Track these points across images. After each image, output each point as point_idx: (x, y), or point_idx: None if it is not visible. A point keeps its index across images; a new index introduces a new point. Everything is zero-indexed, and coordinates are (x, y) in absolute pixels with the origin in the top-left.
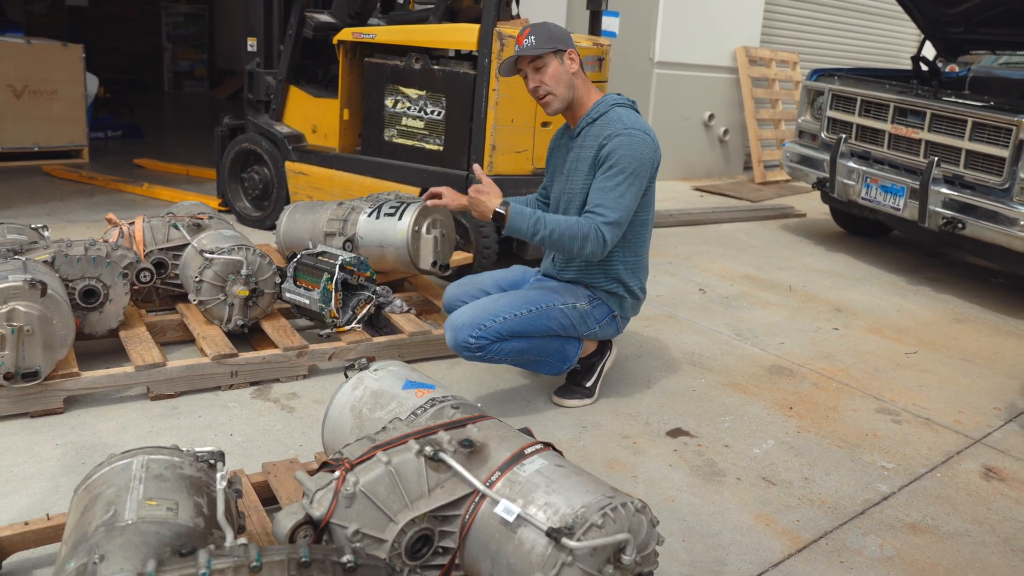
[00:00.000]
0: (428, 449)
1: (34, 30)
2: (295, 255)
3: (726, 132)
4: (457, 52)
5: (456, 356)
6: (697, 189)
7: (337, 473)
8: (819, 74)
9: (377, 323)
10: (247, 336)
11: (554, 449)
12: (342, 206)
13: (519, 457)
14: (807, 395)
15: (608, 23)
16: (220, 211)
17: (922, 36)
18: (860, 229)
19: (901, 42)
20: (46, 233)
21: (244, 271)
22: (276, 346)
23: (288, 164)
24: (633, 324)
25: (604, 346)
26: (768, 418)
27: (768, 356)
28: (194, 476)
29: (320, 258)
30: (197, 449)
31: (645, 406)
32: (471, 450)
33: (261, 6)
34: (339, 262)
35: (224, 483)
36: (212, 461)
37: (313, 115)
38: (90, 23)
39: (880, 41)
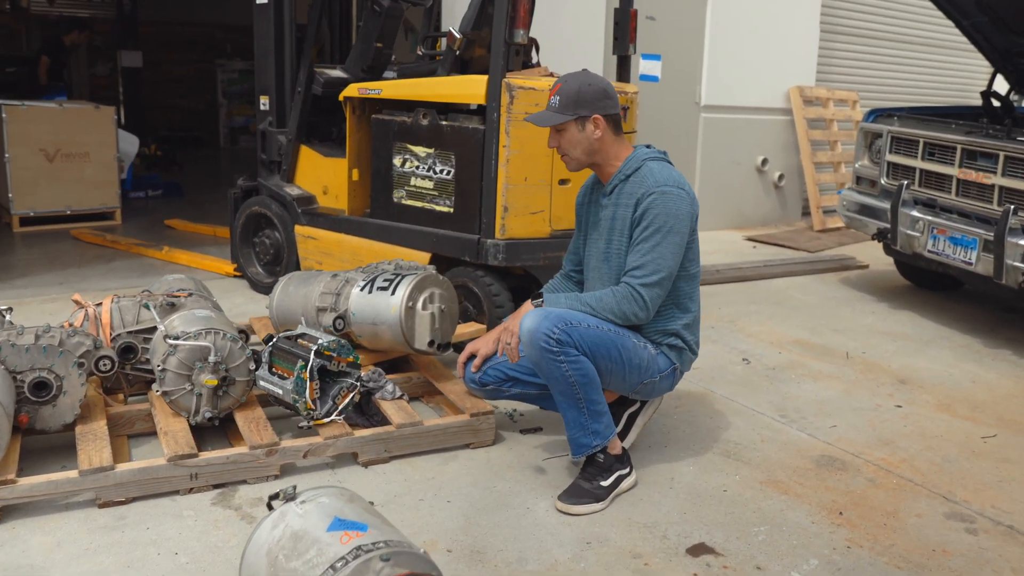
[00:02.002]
0: None
1: (96, 91)
2: (271, 337)
3: (781, 177)
4: (476, 106)
5: (452, 450)
6: (750, 239)
7: None
8: (877, 115)
9: (367, 411)
10: (223, 427)
11: None
12: (336, 278)
13: None
14: (861, 495)
15: (649, 67)
16: (234, 276)
17: (992, 69)
18: (929, 282)
19: (971, 76)
20: (8, 316)
21: (212, 358)
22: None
23: (297, 228)
24: (663, 405)
25: (625, 457)
26: (812, 528)
27: (817, 443)
28: None
29: (299, 341)
30: None
31: (665, 513)
32: None
33: (272, 63)
34: (315, 348)
35: None
36: None
37: (324, 176)
38: (145, 83)
39: (947, 76)
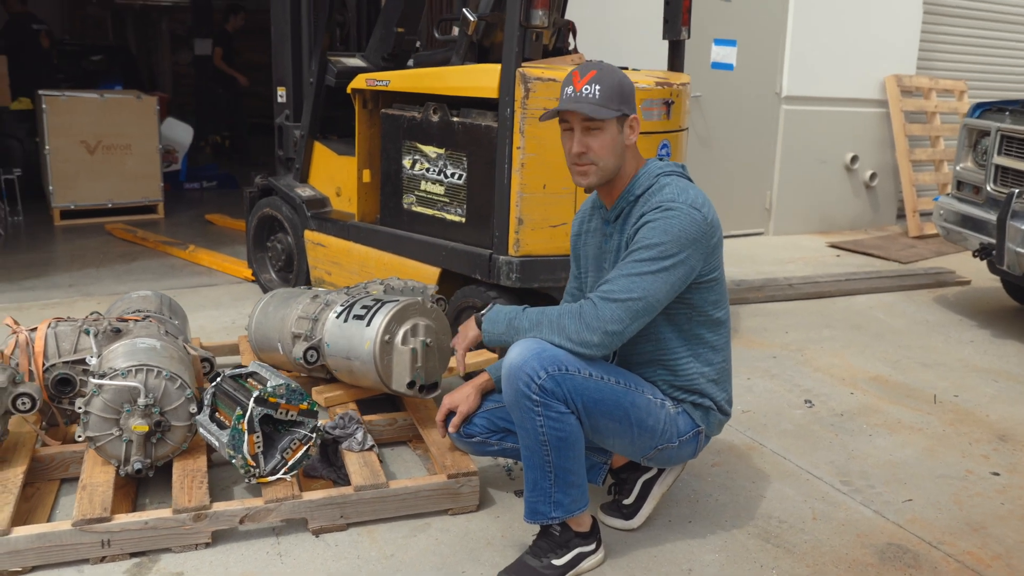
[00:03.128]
0: None
1: (179, 79)
2: (217, 375)
3: (873, 176)
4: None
5: (422, 517)
6: (833, 246)
7: None
8: (984, 109)
9: (335, 461)
10: (168, 476)
11: None
12: (316, 300)
13: None
14: None
15: (723, 54)
16: (252, 281)
17: None
18: None
19: None
20: None
21: (142, 400)
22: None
23: (307, 233)
24: (695, 462)
25: (592, 531)
26: None
27: (885, 525)
28: None
29: (248, 381)
30: None
31: None
32: None
33: (289, 51)
34: (255, 395)
35: None
36: None
37: (337, 176)
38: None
39: None
